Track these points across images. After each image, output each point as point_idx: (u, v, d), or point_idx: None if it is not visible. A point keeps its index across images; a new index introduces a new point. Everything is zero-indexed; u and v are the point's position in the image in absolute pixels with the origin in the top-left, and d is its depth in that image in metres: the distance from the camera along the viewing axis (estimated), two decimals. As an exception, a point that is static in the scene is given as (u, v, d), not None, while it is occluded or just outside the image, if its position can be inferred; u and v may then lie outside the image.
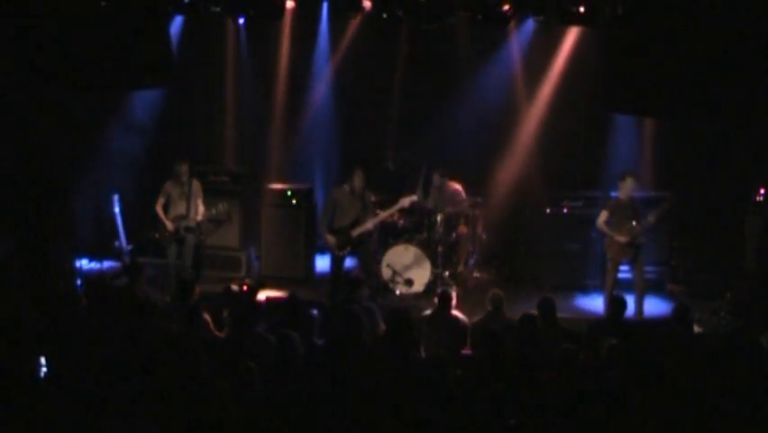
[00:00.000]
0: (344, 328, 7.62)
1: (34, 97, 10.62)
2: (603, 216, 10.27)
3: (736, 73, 8.46)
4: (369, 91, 12.37)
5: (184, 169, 10.69)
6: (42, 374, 7.28)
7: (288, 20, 11.60)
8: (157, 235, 10.81)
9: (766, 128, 10.50)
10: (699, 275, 11.37)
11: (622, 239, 10.12)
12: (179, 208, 10.69)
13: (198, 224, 10.81)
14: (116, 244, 11.12)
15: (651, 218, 10.08)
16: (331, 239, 10.44)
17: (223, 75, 12.41)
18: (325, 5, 11.71)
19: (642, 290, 10.26)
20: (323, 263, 11.57)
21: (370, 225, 10.48)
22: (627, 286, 10.32)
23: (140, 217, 11.42)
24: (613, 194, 10.54)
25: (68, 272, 10.76)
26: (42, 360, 7.26)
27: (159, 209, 10.69)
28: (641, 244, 10.19)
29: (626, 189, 10.21)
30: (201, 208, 10.78)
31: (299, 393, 6.26)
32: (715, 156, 11.41)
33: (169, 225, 10.64)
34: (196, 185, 10.79)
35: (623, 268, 10.43)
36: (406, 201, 10.47)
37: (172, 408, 6.20)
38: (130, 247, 11.16)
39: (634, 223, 10.11)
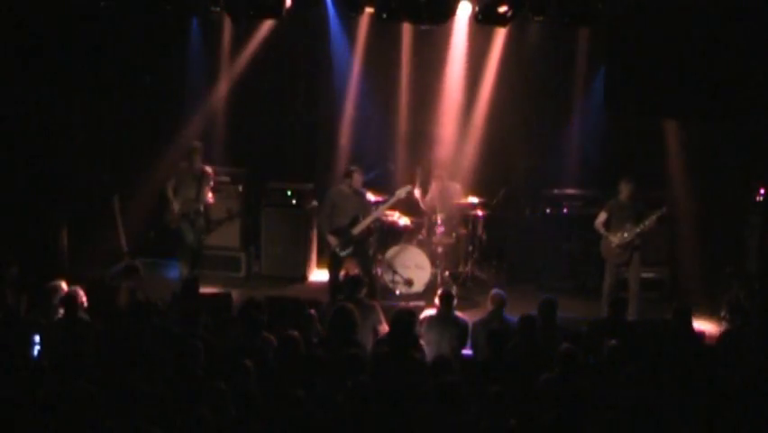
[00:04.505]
0: (343, 328, 7.62)
1: (35, 100, 10.63)
2: (601, 217, 10.26)
3: (737, 73, 8.47)
4: (369, 91, 12.36)
5: (197, 153, 10.75)
6: (36, 353, 7.32)
7: (286, 19, 11.60)
8: (168, 219, 10.81)
9: (766, 128, 10.50)
10: (700, 275, 11.36)
11: (615, 240, 10.10)
12: (189, 192, 10.71)
13: (206, 209, 10.84)
14: (116, 244, 11.11)
15: (646, 223, 10.01)
16: (333, 239, 10.41)
17: (220, 74, 12.40)
18: (328, 5, 11.70)
19: (635, 293, 10.18)
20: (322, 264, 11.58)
21: (369, 220, 10.47)
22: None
23: (139, 218, 11.41)
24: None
25: (67, 273, 10.75)
26: (36, 338, 7.30)
27: (169, 191, 10.75)
28: (637, 247, 10.16)
29: (625, 192, 10.18)
30: (210, 195, 10.80)
31: (299, 393, 6.26)
32: (715, 156, 11.40)
33: (177, 208, 10.67)
34: (207, 171, 10.82)
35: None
36: (402, 192, 10.46)
37: (172, 408, 6.20)
38: (129, 248, 11.15)
39: (630, 225, 10.09)
